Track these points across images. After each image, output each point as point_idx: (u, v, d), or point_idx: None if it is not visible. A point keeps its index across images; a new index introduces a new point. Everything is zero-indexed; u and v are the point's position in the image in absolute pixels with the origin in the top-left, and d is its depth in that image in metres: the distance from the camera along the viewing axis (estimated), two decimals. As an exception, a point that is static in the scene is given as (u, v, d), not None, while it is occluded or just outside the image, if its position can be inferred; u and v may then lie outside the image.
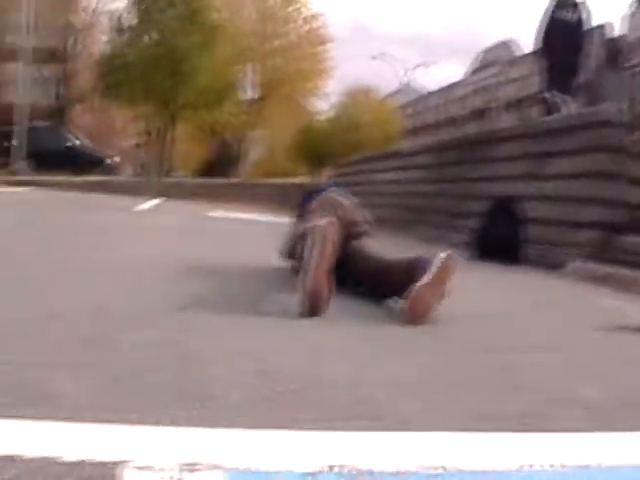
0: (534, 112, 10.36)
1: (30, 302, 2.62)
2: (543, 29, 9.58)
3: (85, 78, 42.46)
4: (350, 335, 2.55)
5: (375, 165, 15.65)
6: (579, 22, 9.32)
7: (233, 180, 28.68)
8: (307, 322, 2.69)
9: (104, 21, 39.92)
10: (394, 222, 12.82)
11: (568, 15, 9.39)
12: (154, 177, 27.05)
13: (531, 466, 1.38)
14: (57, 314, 2.42)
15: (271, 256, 4.05)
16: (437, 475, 1.29)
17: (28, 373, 1.71)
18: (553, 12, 9.55)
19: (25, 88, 23.83)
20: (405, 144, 39.50)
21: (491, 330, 2.94)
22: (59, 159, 26.09)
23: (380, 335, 2.61)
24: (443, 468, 1.32)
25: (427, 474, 1.29)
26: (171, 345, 2.13)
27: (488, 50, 67.21)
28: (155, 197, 15.35)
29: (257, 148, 26.64)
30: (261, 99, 39.66)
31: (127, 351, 2.01)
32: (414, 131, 66.08)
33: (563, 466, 1.39)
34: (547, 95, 8.87)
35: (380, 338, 2.55)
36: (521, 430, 1.62)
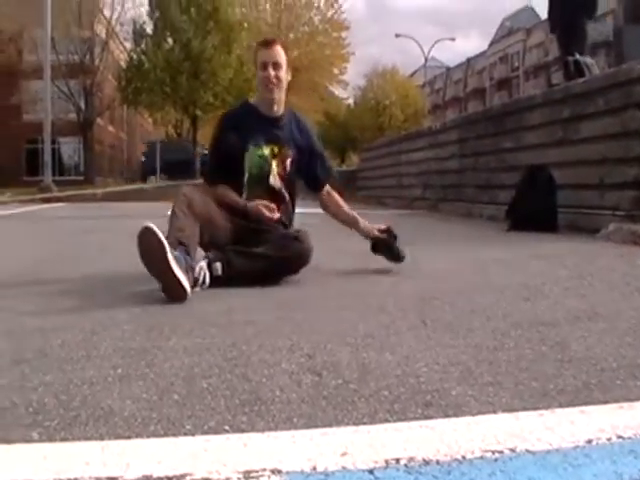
0: (560, 76, 10.22)
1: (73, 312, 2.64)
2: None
3: (109, 88, 42.88)
4: (389, 317, 2.54)
5: (403, 146, 15.59)
6: None
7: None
8: (334, 307, 2.69)
9: (125, 29, 40.26)
10: (426, 201, 12.78)
11: None
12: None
13: (598, 439, 1.36)
14: (103, 326, 2.44)
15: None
16: (506, 458, 1.27)
17: (74, 391, 1.73)
18: None
19: (51, 104, 24.00)
20: (431, 121, 39.37)
21: (534, 303, 2.90)
22: (186, 168, 30.66)
23: (429, 317, 2.58)
24: (511, 450, 1.30)
25: (494, 458, 1.27)
26: (218, 348, 2.14)
27: (510, 17, 66.29)
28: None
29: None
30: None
31: (172, 358, 2.02)
32: (439, 107, 65.64)
33: (633, 437, 1.37)
34: (569, 59, 8.73)
35: (430, 320, 2.53)
36: (583, 404, 1.60)
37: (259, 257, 3.38)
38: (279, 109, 3.71)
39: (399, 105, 52.75)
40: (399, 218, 10.36)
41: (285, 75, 3.63)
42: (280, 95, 3.66)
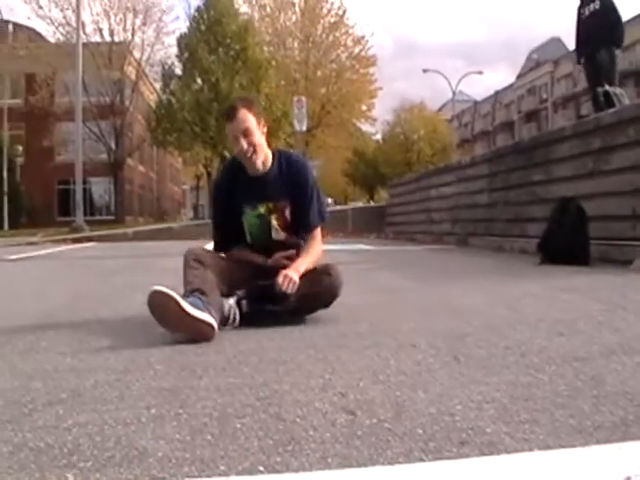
0: (589, 107, 10.17)
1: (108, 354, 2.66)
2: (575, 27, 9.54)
3: (139, 128, 43.48)
4: (421, 354, 2.53)
5: (432, 181, 15.60)
6: (603, 9, 9.16)
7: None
8: (372, 345, 2.68)
9: (154, 71, 40.92)
10: (455, 235, 12.74)
11: (590, 7, 9.29)
12: (209, 218, 27.44)
13: (637, 476, 1.34)
14: (135, 366, 2.46)
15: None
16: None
17: (109, 431, 1.74)
18: (579, 8, 9.58)
19: (82, 145, 24.39)
20: (459, 156, 39.34)
21: (569, 337, 2.87)
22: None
23: (462, 354, 2.56)
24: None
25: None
26: (250, 387, 2.14)
27: (537, 49, 66.32)
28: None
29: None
30: (312, 127, 39.90)
31: (205, 398, 2.02)
32: (468, 141, 65.69)
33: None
34: (598, 90, 8.72)
35: (463, 357, 2.51)
36: (620, 440, 1.57)
37: (290, 295, 3.37)
38: (265, 167, 3.66)
39: (427, 140, 52.88)
40: (429, 253, 10.34)
41: (259, 135, 3.57)
42: (261, 155, 3.60)
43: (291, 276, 3.36)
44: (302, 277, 3.42)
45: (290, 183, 3.68)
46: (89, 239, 18.96)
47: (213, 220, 3.88)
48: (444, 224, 14.10)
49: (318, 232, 3.79)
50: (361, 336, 3.01)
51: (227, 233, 3.74)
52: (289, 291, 3.34)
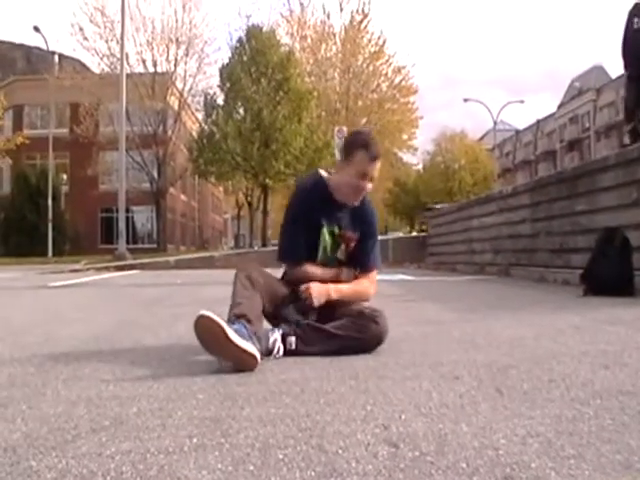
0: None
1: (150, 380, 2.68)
2: (622, 43, 9.11)
3: (181, 158, 43.99)
4: (464, 386, 2.50)
5: (473, 211, 15.53)
6: None
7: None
8: (414, 377, 2.66)
9: (197, 101, 41.45)
10: (497, 266, 12.64)
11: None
12: (249, 247, 27.65)
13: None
14: (178, 394, 2.47)
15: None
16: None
17: (151, 460, 1.75)
18: (628, 22, 9.03)
19: (126, 174, 24.75)
20: (501, 185, 39.14)
21: (614, 370, 2.82)
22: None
23: (505, 386, 2.54)
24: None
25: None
26: (292, 418, 2.14)
27: (579, 77, 65.89)
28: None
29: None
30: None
31: (247, 428, 2.02)
32: (509, 171, 65.27)
33: None
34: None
35: (506, 389, 2.49)
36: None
37: (335, 337, 3.38)
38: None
39: (468, 169, 52.80)
40: (471, 284, 10.27)
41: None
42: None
43: (312, 288, 3.44)
44: (346, 317, 3.44)
45: (361, 220, 3.74)
46: (132, 267, 19.17)
47: (287, 224, 3.77)
48: (486, 254, 14.01)
49: (374, 275, 3.82)
50: (403, 367, 3.00)
51: (300, 239, 3.68)
52: (307, 302, 3.42)
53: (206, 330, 2.93)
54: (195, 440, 1.91)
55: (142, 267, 19.23)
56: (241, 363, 2.94)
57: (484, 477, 1.58)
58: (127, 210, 27.90)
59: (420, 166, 57.32)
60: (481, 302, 6.92)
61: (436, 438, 1.89)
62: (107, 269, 18.41)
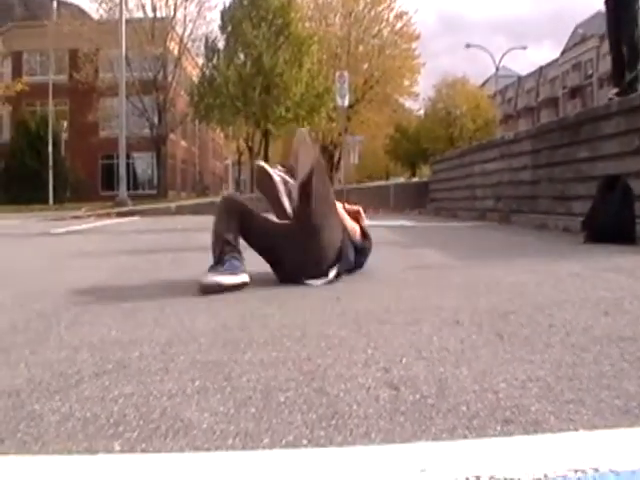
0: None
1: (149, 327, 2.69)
2: None
3: (182, 104, 43.69)
4: (464, 331, 2.51)
5: (474, 157, 15.45)
6: None
7: (336, 187, 28.76)
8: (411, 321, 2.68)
9: (197, 46, 41.01)
10: (499, 212, 12.62)
11: None
12: (250, 193, 27.58)
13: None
14: (179, 339, 2.48)
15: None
16: (589, 477, 1.24)
17: (154, 403, 1.76)
18: None
19: (126, 120, 24.58)
20: (503, 132, 38.88)
21: (614, 317, 2.83)
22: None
23: (505, 332, 2.55)
24: (595, 470, 1.27)
25: (577, 477, 1.24)
26: (294, 362, 2.15)
27: (582, 24, 65.07)
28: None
29: (354, 152, 26.66)
30: (355, 103, 39.71)
31: (249, 372, 2.04)
32: (511, 117, 64.84)
33: None
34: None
35: (507, 334, 2.50)
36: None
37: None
38: None
39: (470, 116, 52.40)
40: (472, 230, 10.28)
41: None
42: None
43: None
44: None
45: None
46: (132, 213, 19.17)
47: None
48: (487, 201, 13.98)
49: None
50: (404, 312, 3.00)
51: None
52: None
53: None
54: (197, 383, 1.92)
55: (143, 213, 19.23)
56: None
57: (484, 420, 1.58)
58: (128, 156, 27.85)
59: (421, 112, 56.90)
60: (482, 248, 6.92)
61: (437, 382, 1.90)
62: (108, 215, 18.41)
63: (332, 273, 3.89)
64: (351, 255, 4.12)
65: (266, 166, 4.06)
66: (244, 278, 3.68)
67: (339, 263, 3.92)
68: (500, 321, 2.77)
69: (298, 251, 3.82)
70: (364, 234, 4.34)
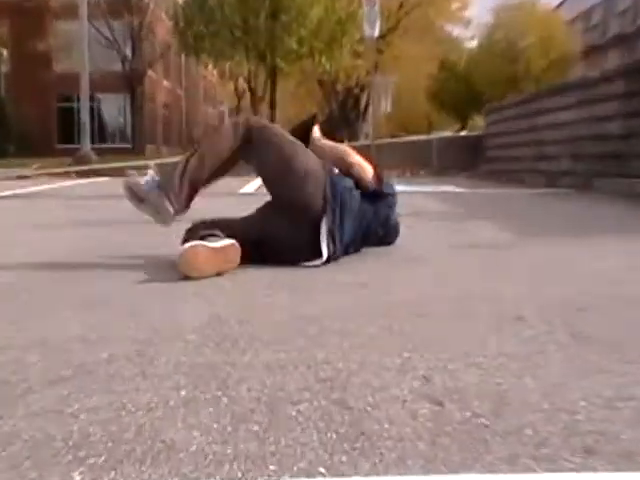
0: None
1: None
2: None
3: (163, 31, 43.49)
4: (530, 329, 2.51)
5: (544, 104, 15.35)
6: None
7: (363, 143, 28.63)
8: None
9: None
10: (576, 176, 12.55)
11: None
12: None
13: None
14: (161, 335, 2.49)
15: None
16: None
17: (127, 419, 1.77)
18: None
19: (89, 51, 24.45)
20: (584, 69, 38.57)
21: None
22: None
23: (585, 332, 2.54)
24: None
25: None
26: (308, 366, 2.16)
27: None
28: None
29: (386, 97, 26.38)
30: (387, 32, 39.40)
31: (250, 378, 2.04)
32: (597, 49, 64.20)
33: None
34: None
35: (587, 336, 2.49)
36: None
37: None
38: None
39: (539, 48, 51.87)
40: (540, 199, 10.24)
41: None
42: None
43: None
44: None
45: None
46: (99, 173, 19.18)
47: None
48: (561, 161, 13.91)
49: None
50: (450, 304, 3.01)
51: None
52: None
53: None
54: (184, 393, 1.93)
55: (113, 173, 19.22)
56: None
57: (556, 449, 1.58)
58: (92, 98, 27.85)
59: (474, 44, 56.46)
60: (554, 224, 6.90)
61: (492, 396, 1.90)
62: (66, 175, 18.44)
63: (323, 228, 4.00)
64: (356, 201, 4.17)
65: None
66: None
67: (334, 205, 4.02)
68: (577, 317, 2.76)
69: (282, 215, 4.08)
70: (378, 176, 4.38)
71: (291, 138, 4.19)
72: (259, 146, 4.09)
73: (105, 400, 1.88)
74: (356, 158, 4.37)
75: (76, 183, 15.65)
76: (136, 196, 3.96)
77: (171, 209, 3.92)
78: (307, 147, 4.25)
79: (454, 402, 1.85)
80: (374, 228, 4.36)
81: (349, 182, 4.14)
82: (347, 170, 4.25)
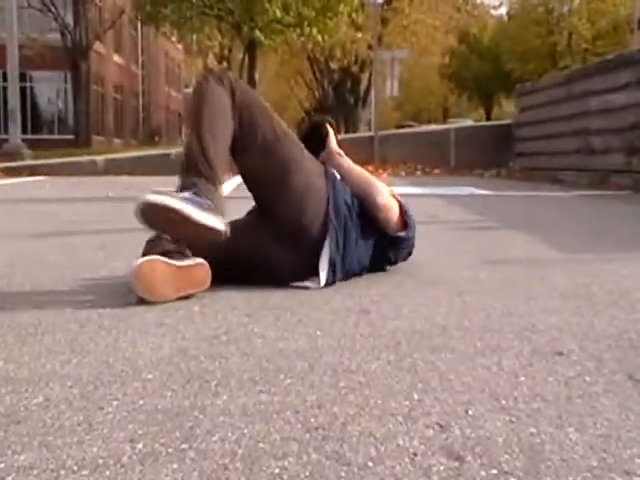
0: None
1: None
2: None
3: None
4: (572, 365, 2.51)
5: (591, 84, 15.39)
6: None
7: (363, 134, 28.70)
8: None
9: None
10: (632, 175, 12.59)
11: None
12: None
13: None
14: (113, 373, 2.49)
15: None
16: None
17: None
18: None
19: (19, 17, 24.40)
20: None
21: None
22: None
23: None
24: None
25: None
26: (295, 411, 2.17)
27: None
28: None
29: (392, 77, 26.33)
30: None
31: (224, 427, 2.05)
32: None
33: None
34: None
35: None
36: None
37: None
38: None
39: (585, 14, 51.94)
40: (585, 203, 10.27)
41: None
42: None
43: None
44: None
45: None
46: (33, 170, 19.15)
47: None
48: (613, 155, 13.95)
49: None
50: (471, 334, 3.02)
51: None
52: None
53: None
54: (140, 446, 1.93)
55: (51, 171, 19.23)
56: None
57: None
58: (22, 77, 27.75)
59: (503, 12, 56.54)
60: (602, 233, 6.92)
61: (524, 448, 1.90)
62: (-9, 173, 18.43)
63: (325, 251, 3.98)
64: (369, 247, 4.23)
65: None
66: (215, 222, 3.64)
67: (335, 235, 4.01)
68: (632, 353, 2.77)
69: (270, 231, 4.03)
70: (403, 218, 4.35)
71: (283, 125, 4.11)
72: (242, 123, 3.99)
73: (39, 456, 1.87)
74: (385, 199, 4.25)
75: (4, 183, 15.61)
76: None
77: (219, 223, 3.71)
78: (317, 159, 4.21)
79: (476, 456, 1.85)
80: (384, 255, 4.35)
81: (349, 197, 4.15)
82: (369, 210, 4.18)
